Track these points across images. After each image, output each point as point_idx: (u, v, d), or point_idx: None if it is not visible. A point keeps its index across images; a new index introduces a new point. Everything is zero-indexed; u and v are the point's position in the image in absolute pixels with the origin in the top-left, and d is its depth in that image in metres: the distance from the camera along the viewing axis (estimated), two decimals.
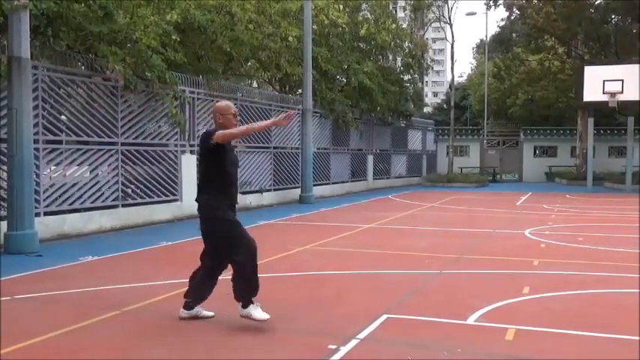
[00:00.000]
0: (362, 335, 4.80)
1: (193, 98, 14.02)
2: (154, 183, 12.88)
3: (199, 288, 5.26)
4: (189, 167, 13.77)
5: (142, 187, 12.58)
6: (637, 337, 4.82)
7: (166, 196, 13.19)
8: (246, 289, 5.05)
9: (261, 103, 17.25)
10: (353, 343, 4.62)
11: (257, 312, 4.98)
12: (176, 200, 13.44)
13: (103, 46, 10.94)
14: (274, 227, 12.53)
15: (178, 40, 13.30)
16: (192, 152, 13.96)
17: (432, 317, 5.40)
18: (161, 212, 12.91)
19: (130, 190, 12.30)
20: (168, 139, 13.40)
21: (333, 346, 4.50)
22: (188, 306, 5.27)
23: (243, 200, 15.81)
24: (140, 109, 12.49)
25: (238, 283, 5.06)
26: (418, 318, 5.38)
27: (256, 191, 16.72)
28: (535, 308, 5.78)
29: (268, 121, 5.20)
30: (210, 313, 5.32)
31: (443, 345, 4.59)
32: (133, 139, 12.34)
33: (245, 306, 5.01)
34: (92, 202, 11.31)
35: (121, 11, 11.74)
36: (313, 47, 18.27)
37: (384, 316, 5.33)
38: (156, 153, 12.97)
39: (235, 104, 15.50)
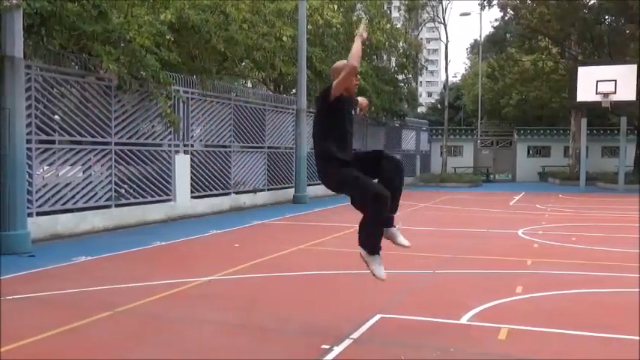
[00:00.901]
0: (355, 335, 4.81)
1: (187, 98, 14.00)
2: (148, 183, 12.85)
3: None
4: (182, 167, 13.75)
5: (135, 187, 12.55)
6: (630, 337, 4.84)
7: (160, 196, 13.17)
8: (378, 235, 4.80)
9: (255, 102, 17.23)
10: (346, 342, 4.62)
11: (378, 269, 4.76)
12: (170, 200, 13.41)
13: (97, 45, 10.90)
14: (268, 227, 12.52)
15: (172, 39, 13.29)
16: (185, 152, 13.94)
17: (426, 317, 5.42)
18: (154, 212, 12.88)
19: (123, 190, 12.27)
20: (161, 139, 13.38)
21: (327, 346, 4.51)
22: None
23: (236, 200, 15.82)
24: (134, 109, 12.46)
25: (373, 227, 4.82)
26: (412, 318, 5.39)
27: (250, 191, 16.72)
28: (528, 308, 5.80)
29: (359, 37, 4.75)
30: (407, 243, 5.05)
31: (436, 344, 4.60)
32: (127, 138, 12.30)
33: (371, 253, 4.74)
34: (85, 202, 11.27)
35: (115, 11, 11.71)
36: (308, 47, 18.27)
37: (378, 316, 5.34)
38: (149, 153, 12.94)
39: (229, 104, 15.61)
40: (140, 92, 12.42)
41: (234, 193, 15.89)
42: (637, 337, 4.81)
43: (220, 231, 11.55)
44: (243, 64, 18.30)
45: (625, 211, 16.11)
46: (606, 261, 8.40)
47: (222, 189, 15.43)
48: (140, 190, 12.63)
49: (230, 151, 15.79)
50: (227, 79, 19.62)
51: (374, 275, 4.74)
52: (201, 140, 14.98)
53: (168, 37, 12.74)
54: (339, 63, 4.94)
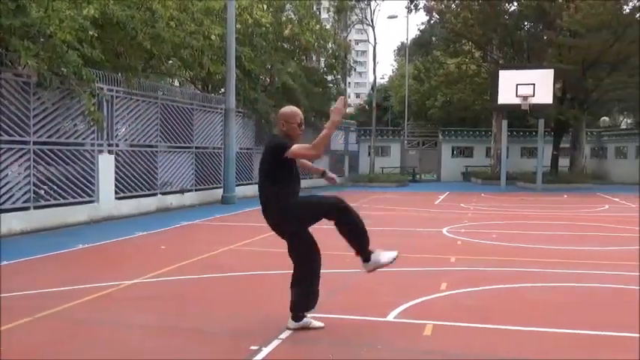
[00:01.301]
0: (284, 335, 4.82)
1: (112, 96, 13.61)
2: (69, 184, 12.40)
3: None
4: (106, 167, 13.36)
5: (56, 187, 12.08)
6: (548, 329, 5.08)
7: (82, 197, 12.74)
8: (364, 238, 4.95)
9: (182, 102, 16.95)
10: (275, 343, 4.63)
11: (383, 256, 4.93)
12: (93, 201, 13.00)
13: (14, 40, 10.41)
14: (197, 228, 12.35)
15: (96, 35, 12.85)
16: (110, 152, 13.55)
17: (354, 315, 5.50)
18: (77, 214, 12.45)
19: (42, 192, 11.78)
20: (84, 138, 12.94)
21: (256, 347, 4.50)
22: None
23: (163, 201, 15.52)
24: (54, 107, 11.98)
25: (354, 237, 4.98)
26: (339, 316, 5.45)
27: (178, 192, 16.43)
28: (452, 304, 5.99)
29: (330, 121, 4.79)
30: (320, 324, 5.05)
31: (364, 342, 4.68)
32: (47, 137, 11.82)
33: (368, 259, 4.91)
34: (0, 204, 10.75)
35: (35, 4, 11.23)
36: (237, 46, 18.11)
37: (307, 316, 5.36)
38: (71, 152, 12.50)
39: (155, 103, 15.29)
40: (61, 89, 11.97)
41: (160, 193, 15.57)
42: (555, 330, 5.06)
43: (146, 232, 11.29)
44: (171, 62, 17.93)
45: (543, 209, 16.87)
46: (526, 257, 8.76)
47: (149, 189, 15.09)
48: (61, 191, 12.17)
49: (157, 151, 15.47)
50: (153, 77, 19.18)
51: (391, 261, 4.93)
52: (126, 140, 14.59)
53: (91, 32, 12.31)
54: (288, 111, 4.94)
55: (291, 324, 4.93)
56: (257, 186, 5.08)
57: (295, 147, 4.72)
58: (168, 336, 4.85)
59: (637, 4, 27.49)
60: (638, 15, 26.05)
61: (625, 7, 27.57)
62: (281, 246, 9.40)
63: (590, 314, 5.63)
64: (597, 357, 4.43)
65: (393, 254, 4.94)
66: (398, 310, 5.62)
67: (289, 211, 4.81)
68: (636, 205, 18.26)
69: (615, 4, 25.57)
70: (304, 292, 4.94)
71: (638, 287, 6.73)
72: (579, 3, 24.72)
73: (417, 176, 34.75)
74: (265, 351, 4.44)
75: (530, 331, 5.03)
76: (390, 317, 5.41)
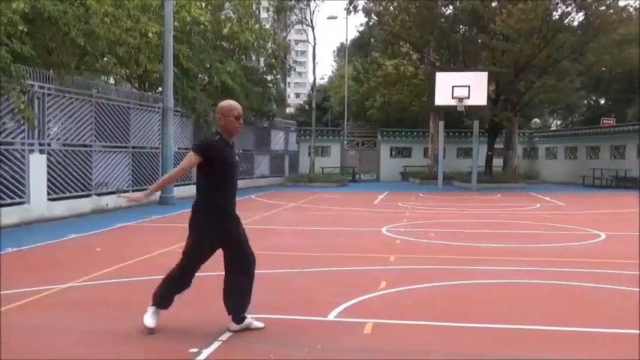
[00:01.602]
0: (224, 337, 4.77)
1: (43, 94, 13.13)
2: None
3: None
4: (37, 167, 12.88)
5: None
6: (485, 325, 5.22)
7: (12, 198, 12.24)
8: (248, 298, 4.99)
9: (118, 100, 16.53)
10: (215, 345, 4.58)
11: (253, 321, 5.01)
12: (23, 203, 12.51)
13: None
14: (134, 229, 12.07)
15: (26, 30, 12.38)
16: (41, 152, 13.08)
17: (294, 315, 5.50)
18: (6, 216, 11.94)
19: None
20: (13, 137, 12.45)
21: (195, 350, 4.44)
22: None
23: (99, 202, 15.09)
24: None
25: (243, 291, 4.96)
26: (280, 317, 5.44)
27: (113, 192, 15.99)
28: (392, 302, 6.07)
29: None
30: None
31: (305, 342, 4.68)
32: None
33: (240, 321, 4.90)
34: None
35: None
36: (174, 44, 17.81)
37: (247, 316, 5.33)
38: None
39: (90, 102, 14.85)
40: None
41: (95, 194, 15.13)
42: (494, 325, 5.20)
43: (81, 235, 10.95)
44: (106, 59, 17.47)
45: (478, 208, 17.34)
46: (463, 255, 8.98)
47: (83, 190, 14.65)
48: None
49: (91, 151, 15.03)
50: (88, 74, 18.64)
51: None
52: (58, 139, 14.12)
53: (21, 27, 11.85)
54: (225, 105, 4.85)
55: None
56: (194, 187, 5.04)
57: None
58: (100, 342, 4.71)
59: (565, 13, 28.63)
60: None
61: (554, 13, 28.66)
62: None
63: (525, 309, 5.82)
64: (534, 351, 4.58)
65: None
66: (338, 309, 5.65)
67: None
68: (565, 204, 19.02)
69: (545, 10, 26.53)
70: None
71: (583, 285, 7.01)
72: (511, 8, 25.54)
73: (357, 176, 35.07)
74: (205, 353, 4.38)
75: (467, 328, 5.16)
76: (331, 316, 5.44)
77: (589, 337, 4.97)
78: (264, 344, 4.65)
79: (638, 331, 4.96)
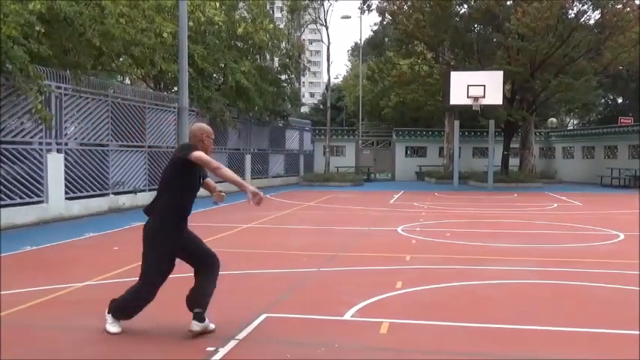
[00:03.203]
0: (241, 336, 4.77)
1: (60, 93, 13.24)
2: (16, 184, 12.00)
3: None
4: (55, 166, 12.99)
5: (2, 188, 11.66)
6: (501, 325, 5.17)
7: (30, 197, 12.35)
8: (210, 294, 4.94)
9: (134, 100, 16.62)
10: (232, 344, 4.57)
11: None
12: (41, 202, 12.62)
13: None
14: None
15: (43, 31, 12.48)
16: (59, 151, 13.18)
17: (311, 314, 5.48)
18: (24, 215, 12.06)
19: None
20: (31, 137, 12.56)
21: (212, 348, 4.44)
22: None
23: (115, 201, 15.19)
24: None
25: (209, 287, 4.93)
26: (297, 316, 5.43)
27: (130, 191, 16.10)
28: (407, 302, 6.04)
29: (242, 182, 4.79)
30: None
31: (321, 341, 4.66)
32: None
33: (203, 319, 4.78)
34: None
35: None
36: (189, 44, 17.85)
37: (264, 316, 5.33)
38: (17, 151, 12.11)
39: (106, 102, 14.95)
40: (7, 86, 11.58)
41: (112, 193, 15.23)
42: (508, 326, 5.16)
43: (98, 234, 11.03)
44: (121, 59, 17.57)
45: (494, 208, 17.22)
46: (479, 255, 8.92)
47: (100, 189, 14.75)
48: (7, 192, 11.77)
49: (108, 150, 15.13)
50: (104, 75, 18.76)
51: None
52: (76, 138, 14.23)
53: (37, 28, 11.94)
54: (197, 129, 4.95)
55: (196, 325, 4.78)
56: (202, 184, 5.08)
57: (199, 152, 4.78)
58: (118, 340, 4.73)
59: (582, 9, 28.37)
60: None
61: (570, 11, 28.41)
62: (236, 246, 9.34)
63: (541, 310, 5.76)
64: (551, 353, 4.53)
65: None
66: (354, 308, 5.63)
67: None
68: (582, 204, 18.84)
69: (561, 8, 26.31)
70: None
71: (589, 285, 6.93)
72: (527, 7, 25.34)
73: (372, 176, 34.99)
74: (222, 352, 4.38)
75: (483, 328, 5.12)
76: (347, 316, 5.41)
77: (607, 339, 4.91)
78: (281, 343, 4.64)
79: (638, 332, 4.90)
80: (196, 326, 4.72)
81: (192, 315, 4.77)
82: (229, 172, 4.75)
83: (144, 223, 4.87)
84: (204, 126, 5.00)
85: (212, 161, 4.74)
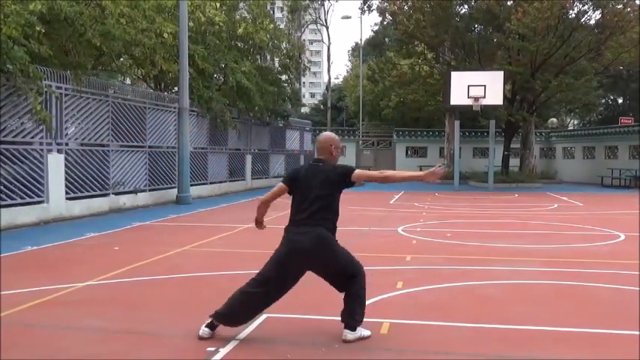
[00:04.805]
0: (241, 336, 4.77)
1: (61, 94, 13.25)
2: (17, 184, 12.01)
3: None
4: (56, 167, 13.00)
5: (2, 188, 11.67)
6: (501, 326, 5.17)
7: (31, 197, 12.36)
8: (362, 308, 4.83)
9: (134, 100, 16.63)
10: (233, 344, 4.58)
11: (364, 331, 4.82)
12: (42, 202, 12.63)
13: None
14: (150, 228, 12.13)
15: (43, 31, 12.49)
16: (59, 151, 13.19)
17: (311, 315, 5.48)
18: (25, 215, 12.07)
19: None
20: (32, 137, 12.57)
21: (212, 348, 4.44)
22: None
23: (116, 201, 15.20)
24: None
25: (355, 301, 4.81)
26: (298, 316, 5.44)
27: (131, 192, 16.11)
28: (408, 302, 6.04)
29: (416, 174, 4.89)
30: None
31: (321, 342, 4.67)
32: None
33: (354, 328, 4.73)
34: None
35: None
36: (190, 45, 17.88)
37: (264, 316, 5.32)
38: (18, 152, 12.11)
39: (107, 102, 14.96)
40: (7, 87, 11.58)
41: (113, 193, 15.24)
42: (509, 326, 5.16)
43: (98, 234, 11.03)
44: (122, 60, 17.58)
45: (495, 208, 17.22)
46: (480, 255, 8.92)
47: (101, 190, 14.76)
48: (8, 192, 11.78)
49: (108, 150, 15.14)
50: (104, 75, 18.77)
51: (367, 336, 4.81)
52: (76, 139, 14.23)
53: (38, 28, 11.95)
54: (329, 138, 5.00)
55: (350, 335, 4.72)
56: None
57: (359, 172, 4.86)
58: (118, 340, 4.73)
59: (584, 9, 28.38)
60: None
61: (570, 11, 28.41)
62: (237, 246, 9.33)
63: (542, 310, 5.76)
64: (551, 353, 4.53)
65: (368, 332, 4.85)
66: None
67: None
68: (583, 204, 18.83)
69: (561, 8, 26.31)
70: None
71: (586, 285, 6.93)
72: (527, 7, 25.34)
73: None
74: (222, 352, 4.38)
75: (483, 328, 5.12)
76: None
77: (607, 339, 4.91)
78: (281, 344, 4.64)
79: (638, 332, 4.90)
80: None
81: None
82: (398, 175, 4.99)
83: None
84: (332, 136, 5.06)
85: (373, 173, 4.96)
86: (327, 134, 5.11)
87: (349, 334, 4.67)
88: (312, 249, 4.69)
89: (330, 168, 4.84)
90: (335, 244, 4.83)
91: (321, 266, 4.86)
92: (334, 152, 4.94)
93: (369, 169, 30.73)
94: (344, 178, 4.76)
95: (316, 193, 4.73)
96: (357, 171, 4.80)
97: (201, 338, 4.66)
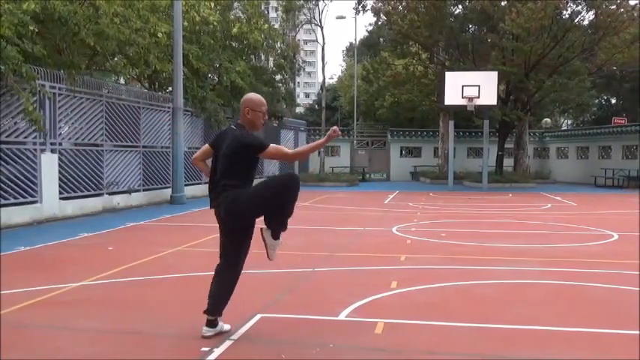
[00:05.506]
0: (235, 336, 4.76)
1: (54, 94, 13.20)
2: (10, 184, 11.95)
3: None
4: (49, 166, 12.95)
5: None
6: (496, 325, 5.18)
7: (24, 197, 12.31)
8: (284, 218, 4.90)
9: (128, 100, 16.58)
10: (227, 344, 4.56)
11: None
12: (35, 202, 12.58)
13: None
14: (144, 229, 12.10)
15: (37, 31, 12.44)
16: (52, 151, 13.14)
17: (306, 314, 5.48)
18: (18, 215, 12.02)
19: None
20: (25, 137, 12.51)
21: (206, 348, 4.43)
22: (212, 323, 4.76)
23: (109, 201, 15.15)
24: None
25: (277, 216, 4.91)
26: (292, 316, 5.43)
27: (124, 192, 16.07)
28: (402, 301, 6.04)
29: (322, 140, 4.70)
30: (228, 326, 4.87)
31: (316, 341, 4.66)
32: None
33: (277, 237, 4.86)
34: None
35: None
36: (184, 44, 17.84)
37: (258, 316, 5.32)
38: (11, 152, 12.06)
39: (100, 101, 14.91)
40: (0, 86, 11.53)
41: (107, 193, 15.19)
42: (504, 326, 5.17)
43: (92, 234, 10.99)
44: (116, 59, 17.53)
45: (489, 208, 17.25)
46: (474, 255, 8.94)
47: (94, 189, 14.71)
48: (2, 192, 11.72)
49: (102, 150, 15.09)
50: (98, 74, 18.71)
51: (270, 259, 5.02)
52: (70, 138, 14.18)
53: (31, 27, 11.90)
54: (255, 99, 4.74)
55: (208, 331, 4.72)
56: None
57: (272, 148, 4.62)
58: (112, 340, 4.71)
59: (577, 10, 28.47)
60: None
61: (564, 12, 28.50)
62: None
63: (536, 310, 5.77)
64: (546, 352, 4.54)
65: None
66: (349, 308, 5.63)
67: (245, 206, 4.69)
68: (576, 204, 18.89)
69: (555, 9, 26.38)
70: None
71: (586, 285, 6.95)
72: (521, 7, 25.40)
73: (367, 176, 34.99)
74: (217, 352, 4.37)
75: (478, 328, 5.12)
76: (342, 316, 5.41)
77: (605, 339, 4.92)
78: (275, 343, 4.64)
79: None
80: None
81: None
82: (304, 151, 4.93)
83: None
84: (254, 98, 4.77)
85: (286, 155, 4.91)
86: (246, 96, 4.78)
87: (207, 331, 4.70)
88: (225, 218, 4.73)
89: (238, 134, 4.59)
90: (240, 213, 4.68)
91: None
92: (249, 115, 4.64)
93: (364, 169, 30.77)
94: (247, 149, 4.54)
95: (223, 156, 4.62)
96: (270, 148, 4.56)
97: (204, 337, 4.65)
